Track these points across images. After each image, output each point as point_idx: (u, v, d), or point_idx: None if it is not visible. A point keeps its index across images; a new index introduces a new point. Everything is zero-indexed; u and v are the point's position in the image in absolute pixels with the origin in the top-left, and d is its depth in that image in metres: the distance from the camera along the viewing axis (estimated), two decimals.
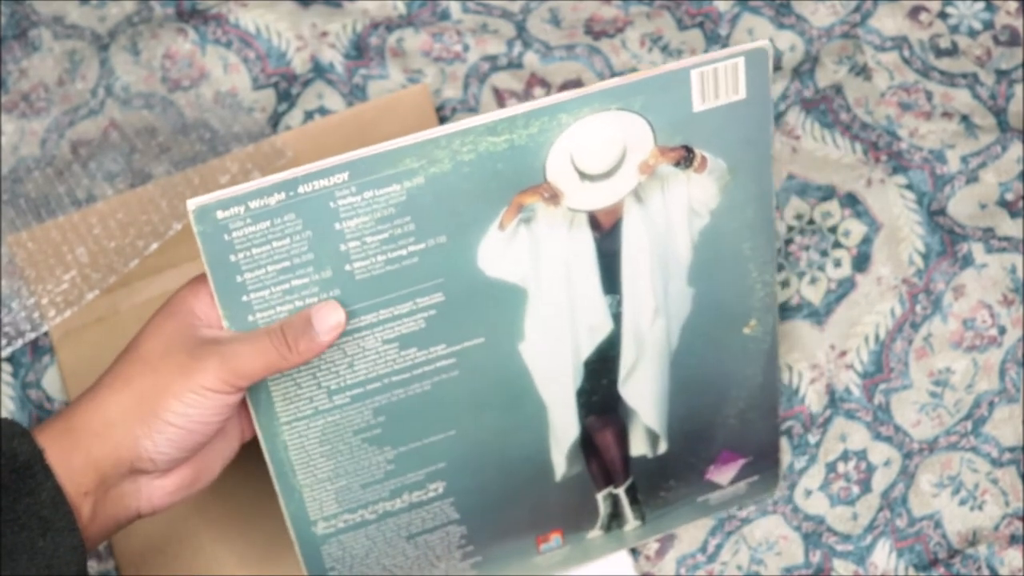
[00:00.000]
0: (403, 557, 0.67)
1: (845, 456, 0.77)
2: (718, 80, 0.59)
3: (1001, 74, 0.85)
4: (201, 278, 0.57)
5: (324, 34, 0.87)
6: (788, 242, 0.81)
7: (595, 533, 0.71)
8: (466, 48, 0.87)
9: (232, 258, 0.55)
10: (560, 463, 0.68)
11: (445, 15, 0.88)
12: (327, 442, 0.61)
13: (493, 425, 0.65)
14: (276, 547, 0.74)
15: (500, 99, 0.85)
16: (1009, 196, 0.82)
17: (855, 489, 0.77)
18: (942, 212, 0.81)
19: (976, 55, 0.86)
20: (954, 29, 0.87)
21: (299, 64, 0.86)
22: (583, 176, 0.59)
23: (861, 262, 0.80)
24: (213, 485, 0.72)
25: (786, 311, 0.79)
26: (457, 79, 0.86)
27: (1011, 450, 0.77)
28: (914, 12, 0.87)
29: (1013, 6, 0.87)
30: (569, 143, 0.58)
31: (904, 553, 0.76)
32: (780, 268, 0.80)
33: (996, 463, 0.77)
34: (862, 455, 0.77)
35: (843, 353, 0.79)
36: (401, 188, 0.56)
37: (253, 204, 0.54)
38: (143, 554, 0.74)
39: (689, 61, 0.58)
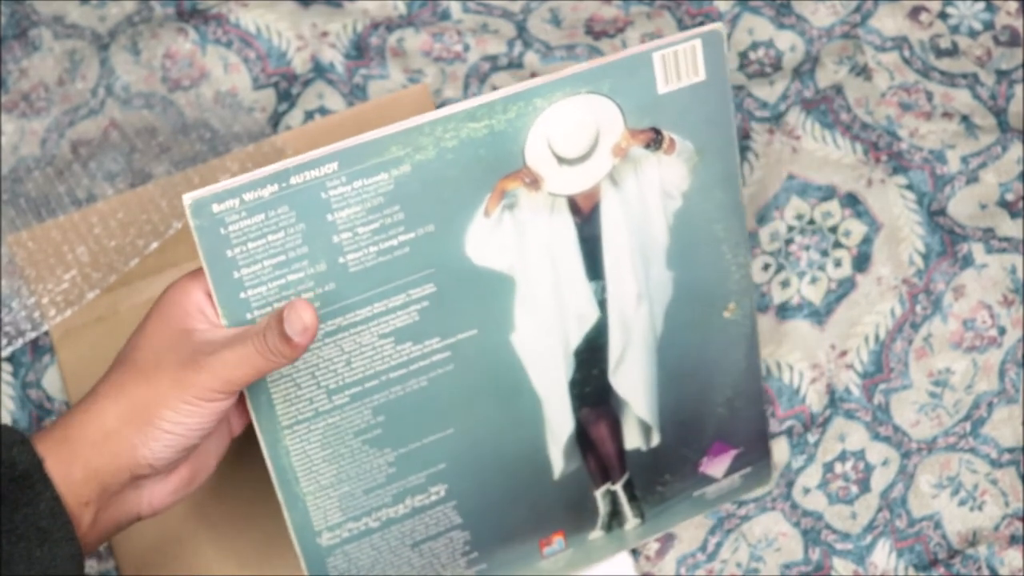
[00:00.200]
0: (408, 567, 0.67)
1: (843, 456, 0.77)
2: (679, 62, 0.62)
3: (1001, 74, 0.85)
4: (190, 276, 0.57)
5: (324, 34, 0.87)
6: (788, 242, 0.81)
7: (596, 534, 0.71)
8: (466, 48, 0.87)
9: (229, 253, 0.55)
10: (558, 459, 0.68)
11: (445, 15, 0.88)
12: (328, 445, 0.61)
13: (490, 421, 0.65)
14: (276, 547, 0.74)
15: None
16: (1009, 196, 0.82)
17: (854, 489, 0.77)
18: (942, 212, 0.81)
19: (976, 55, 0.86)
20: (954, 29, 0.87)
21: (299, 64, 0.86)
22: (561, 160, 0.61)
23: (861, 262, 0.80)
24: (212, 486, 0.72)
25: (786, 311, 0.79)
26: (457, 79, 0.86)
27: (1010, 451, 0.77)
28: (914, 12, 0.87)
29: (1013, 6, 0.87)
30: (545, 127, 0.60)
31: (904, 553, 0.76)
32: (780, 268, 0.80)
33: (995, 464, 0.77)
34: (860, 455, 0.77)
35: (843, 353, 0.79)
36: (389, 176, 0.57)
37: (247, 196, 0.54)
38: (143, 554, 0.74)
39: (650, 44, 0.61)
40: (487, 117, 0.58)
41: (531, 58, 0.86)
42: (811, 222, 0.81)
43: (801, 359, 0.79)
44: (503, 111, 0.59)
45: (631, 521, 0.72)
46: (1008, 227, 0.80)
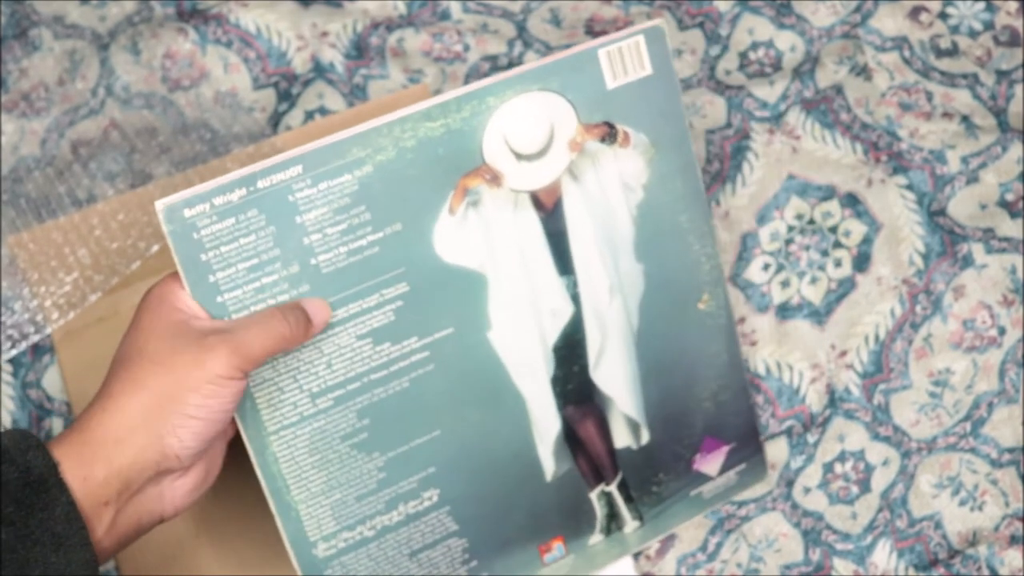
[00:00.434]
0: None
1: (843, 456, 0.77)
2: (624, 58, 0.64)
3: (1001, 74, 0.85)
4: (169, 278, 0.58)
5: (324, 34, 0.87)
6: (788, 242, 0.81)
7: (596, 538, 0.71)
8: (466, 48, 0.87)
9: (203, 257, 0.57)
10: (548, 460, 0.68)
11: (445, 15, 0.88)
12: (316, 451, 0.62)
13: (476, 422, 0.66)
14: (276, 547, 0.74)
15: None
16: (1009, 196, 0.82)
17: (854, 489, 0.77)
18: (942, 212, 0.81)
19: (976, 55, 0.86)
20: (954, 29, 0.87)
21: (299, 64, 0.86)
22: (519, 156, 0.63)
23: (861, 262, 0.80)
24: (214, 487, 0.72)
25: (786, 311, 0.80)
26: (457, 79, 0.86)
27: (1011, 451, 0.77)
28: (914, 12, 0.87)
29: (1013, 6, 0.87)
30: (500, 124, 0.62)
31: (904, 553, 0.76)
32: (780, 268, 0.80)
33: (996, 464, 0.77)
34: (859, 455, 0.77)
35: (843, 353, 0.79)
36: (352, 178, 0.59)
37: (217, 201, 0.56)
38: (143, 554, 0.74)
39: (595, 42, 0.63)
40: (442, 116, 0.60)
41: (531, 58, 0.86)
42: (811, 222, 0.81)
43: (801, 359, 0.79)
44: (457, 110, 0.61)
45: (630, 524, 0.72)
46: (1008, 227, 0.81)
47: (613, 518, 0.71)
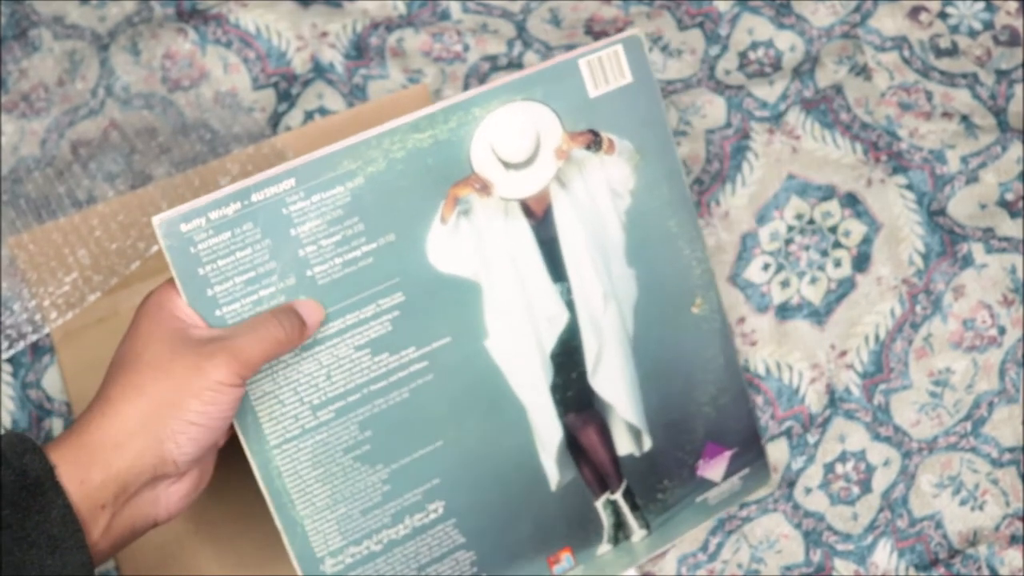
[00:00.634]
0: None
1: (843, 457, 0.77)
2: (604, 67, 0.65)
3: (1001, 74, 0.85)
4: (167, 285, 0.58)
5: (324, 34, 0.87)
6: (788, 242, 0.81)
7: (604, 548, 0.71)
8: (466, 48, 0.87)
9: (200, 271, 0.58)
10: (552, 469, 0.68)
11: (445, 15, 0.88)
12: (320, 464, 0.62)
13: (477, 432, 0.66)
14: (275, 547, 0.74)
15: None
16: (1009, 196, 0.82)
17: (855, 489, 0.77)
18: (942, 212, 0.81)
19: (976, 55, 0.86)
20: (954, 29, 0.87)
21: (299, 64, 0.86)
22: (507, 165, 0.64)
23: (861, 262, 0.80)
24: (213, 486, 0.72)
25: (786, 311, 0.80)
26: (457, 79, 0.86)
27: (1011, 450, 0.77)
28: (914, 12, 0.87)
29: (1013, 6, 0.87)
30: (487, 134, 0.63)
31: (905, 553, 0.76)
32: (780, 268, 0.80)
33: (996, 463, 0.77)
34: (860, 456, 0.77)
35: (843, 353, 0.79)
36: (345, 189, 0.60)
37: (213, 215, 0.57)
38: (143, 554, 0.74)
39: (575, 52, 0.65)
40: (430, 128, 0.62)
41: (531, 58, 0.86)
42: (811, 222, 0.81)
43: (801, 359, 0.79)
44: (444, 121, 0.62)
45: (637, 532, 0.72)
46: (1008, 227, 0.81)
47: (620, 527, 0.71)
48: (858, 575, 0.75)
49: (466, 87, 0.86)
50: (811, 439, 0.78)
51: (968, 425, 0.78)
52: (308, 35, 0.86)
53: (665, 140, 0.68)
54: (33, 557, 0.51)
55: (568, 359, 0.68)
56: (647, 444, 0.71)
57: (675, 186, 0.69)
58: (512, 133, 0.64)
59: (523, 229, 0.65)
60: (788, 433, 0.78)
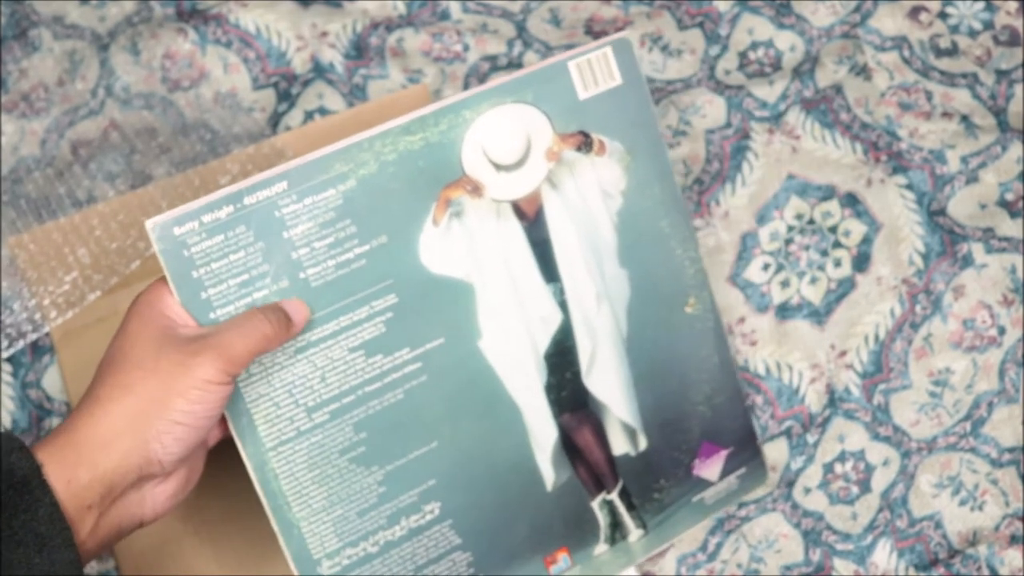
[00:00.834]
0: None
1: (842, 457, 0.77)
2: (594, 69, 0.66)
3: (1001, 74, 0.85)
4: (158, 284, 0.59)
5: (324, 34, 0.87)
6: (788, 242, 0.81)
7: (601, 548, 0.71)
8: (466, 48, 0.87)
9: (194, 274, 0.58)
10: (547, 470, 0.68)
11: (445, 15, 0.88)
12: (316, 466, 0.62)
13: (473, 432, 0.66)
14: (274, 547, 0.74)
15: None
16: (1009, 196, 0.82)
17: (854, 489, 0.77)
18: (942, 212, 0.81)
19: (976, 55, 0.86)
20: (954, 29, 0.87)
21: (299, 64, 0.86)
22: (498, 167, 0.64)
23: (861, 262, 0.80)
24: (212, 486, 0.72)
25: (786, 311, 0.80)
26: (457, 79, 0.86)
27: (1011, 451, 0.77)
28: (914, 12, 0.87)
29: (1013, 6, 0.87)
30: (478, 136, 0.63)
31: (905, 553, 0.76)
32: (780, 268, 0.80)
33: (996, 464, 0.77)
34: (860, 456, 0.77)
35: (843, 353, 0.79)
36: (337, 192, 0.60)
37: (206, 218, 0.58)
38: (143, 554, 0.74)
39: (565, 55, 0.65)
40: (421, 130, 0.62)
41: (531, 58, 0.86)
42: (811, 222, 0.81)
43: (801, 359, 0.79)
44: (435, 124, 0.62)
45: (634, 532, 0.72)
46: (1008, 227, 0.81)
47: (616, 527, 0.71)
48: (858, 575, 0.75)
49: (466, 87, 0.86)
50: (811, 439, 0.78)
51: (968, 425, 0.78)
52: (308, 35, 0.87)
53: (656, 141, 0.69)
54: (21, 556, 0.51)
55: (562, 359, 0.68)
56: (643, 444, 0.71)
57: (667, 186, 0.69)
58: (503, 135, 0.64)
59: (515, 230, 0.66)
60: (788, 433, 0.78)
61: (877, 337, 0.79)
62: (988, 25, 0.87)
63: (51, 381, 0.78)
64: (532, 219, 0.66)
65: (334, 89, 0.85)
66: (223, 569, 0.74)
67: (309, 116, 0.85)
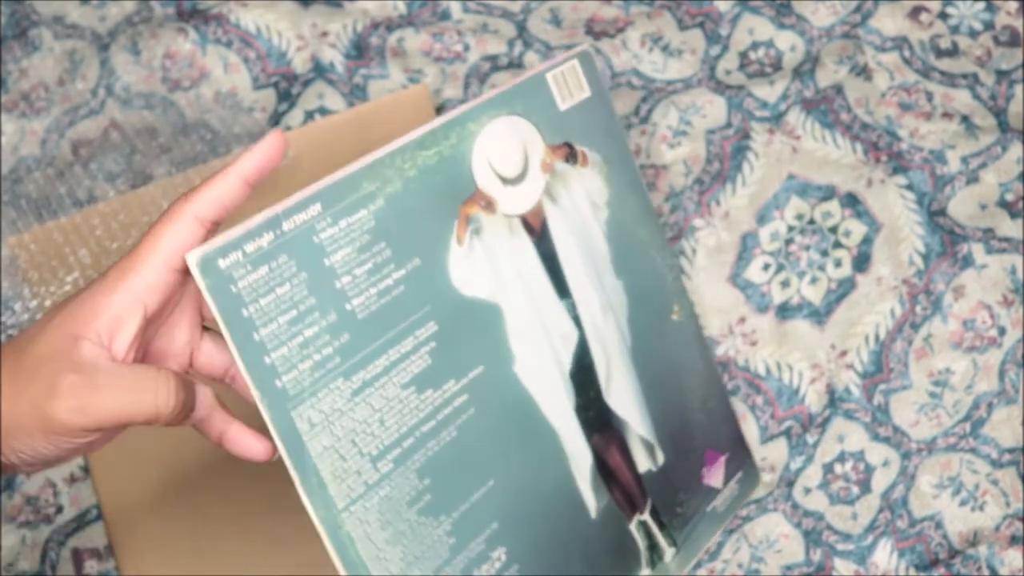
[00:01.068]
0: None
1: (842, 457, 0.77)
2: (567, 81, 0.67)
3: (1001, 74, 0.86)
4: (120, 275, 0.52)
5: (324, 34, 0.87)
6: (788, 242, 0.81)
7: (645, 572, 0.69)
8: (466, 48, 0.87)
9: (245, 313, 0.53)
10: (589, 495, 0.67)
11: (445, 15, 0.88)
12: (388, 523, 0.59)
13: (521, 464, 0.64)
14: (275, 546, 0.74)
15: None
16: (1009, 196, 0.82)
17: (854, 489, 0.77)
18: (942, 212, 0.81)
19: (976, 55, 0.86)
20: (954, 29, 0.87)
21: (299, 64, 0.86)
22: (504, 181, 0.64)
23: (861, 262, 0.80)
24: (213, 485, 0.72)
25: (786, 311, 0.80)
26: (457, 79, 0.86)
27: (1011, 451, 0.77)
28: (914, 12, 0.87)
29: (1013, 6, 0.87)
30: (484, 149, 0.63)
31: (905, 553, 0.76)
32: (780, 268, 0.80)
33: (996, 464, 0.77)
34: (859, 456, 0.77)
35: (843, 353, 0.79)
36: (368, 213, 0.58)
37: (248, 248, 0.54)
38: (143, 554, 0.74)
39: (542, 66, 0.66)
40: (434, 144, 0.61)
41: (531, 58, 0.86)
42: (811, 222, 0.81)
43: (801, 359, 0.79)
44: (445, 137, 0.61)
45: (668, 551, 0.71)
46: (1008, 227, 0.81)
47: (653, 548, 0.70)
48: (858, 575, 0.75)
49: (466, 87, 0.86)
50: (810, 439, 0.78)
51: (967, 426, 0.78)
52: (308, 35, 0.86)
53: (624, 151, 0.69)
54: None
55: (584, 377, 0.67)
56: (660, 458, 0.70)
57: (640, 195, 0.70)
58: (504, 148, 0.64)
59: (527, 246, 0.65)
60: (788, 433, 0.78)
61: (877, 337, 0.79)
62: (988, 25, 0.87)
63: None
64: (539, 233, 0.65)
65: (334, 89, 0.85)
66: (224, 569, 0.74)
67: (309, 116, 0.85)
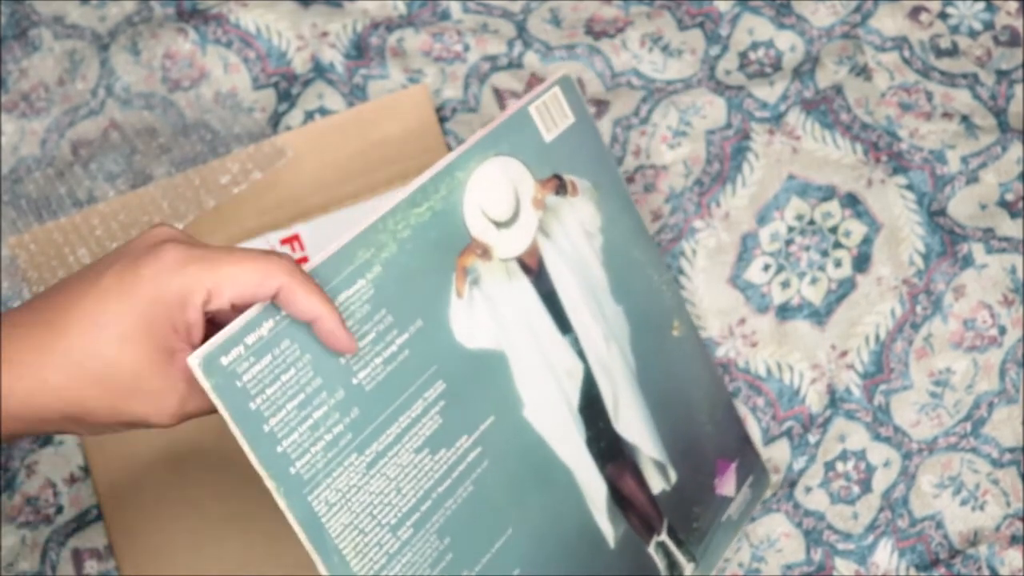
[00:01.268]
0: None
1: (844, 456, 0.77)
2: (550, 110, 0.67)
3: (1001, 74, 0.86)
4: (206, 263, 0.51)
5: (324, 34, 0.87)
6: (788, 242, 0.81)
7: None
8: (466, 48, 0.87)
9: (252, 406, 0.53)
10: (606, 526, 0.66)
11: (445, 15, 0.88)
12: None
13: (538, 507, 0.63)
14: (276, 546, 0.74)
15: (500, 99, 0.85)
16: (1009, 196, 0.82)
17: (855, 488, 0.77)
18: (942, 212, 0.81)
19: (976, 55, 0.86)
20: (954, 29, 0.87)
21: (299, 64, 0.86)
22: (498, 225, 0.64)
23: (861, 262, 0.80)
24: (213, 485, 0.72)
25: (786, 311, 0.80)
26: (457, 79, 0.86)
27: (1011, 451, 0.77)
28: (914, 12, 0.87)
29: (1013, 6, 0.87)
30: (474, 196, 0.63)
31: (906, 553, 0.76)
32: (781, 269, 0.80)
33: (996, 464, 0.77)
34: (861, 455, 0.77)
35: (844, 353, 0.79)
36: (366, 282, 0.58)
37: (249, 340, 0.53)
38: (143, 554, 0.74)
39: (524, 100, 0.66)
40: (425, 200, 0.61)
41: (531, 58, 0.86)
42: (811, 222, 0.81)
43: (801, 359, 0.79)
44: (435, 191, 0.61)
45: (687, 567, 0.70)
46: (1008, 227, 0.81)
47: (673, 567, 0.70)
48: (859, 575, 0.75)
49: (466, 87, 0.86)
50: (812, 439, 0.78)
51: (968, 425, 0.78)
52: (308, 35, 0.86)
53: (613, 171, 0.69)
54: None
55: (593, 410, 0.67)
56: (673, 477, 0.70)
57: (632, 215, 0.70)
58: (494, 191, 0.64)
59: (526, 287, 0.65)
60: (789, 433, 0.78)
61: (878, 337, 0.79)
62: (988, 25, 0.87)
63: None
64: (536, 272, 0.65)
65: (334, 89, 0.85)
66: (224, 569, 0.74)
67: (309, 116, 0.85)
